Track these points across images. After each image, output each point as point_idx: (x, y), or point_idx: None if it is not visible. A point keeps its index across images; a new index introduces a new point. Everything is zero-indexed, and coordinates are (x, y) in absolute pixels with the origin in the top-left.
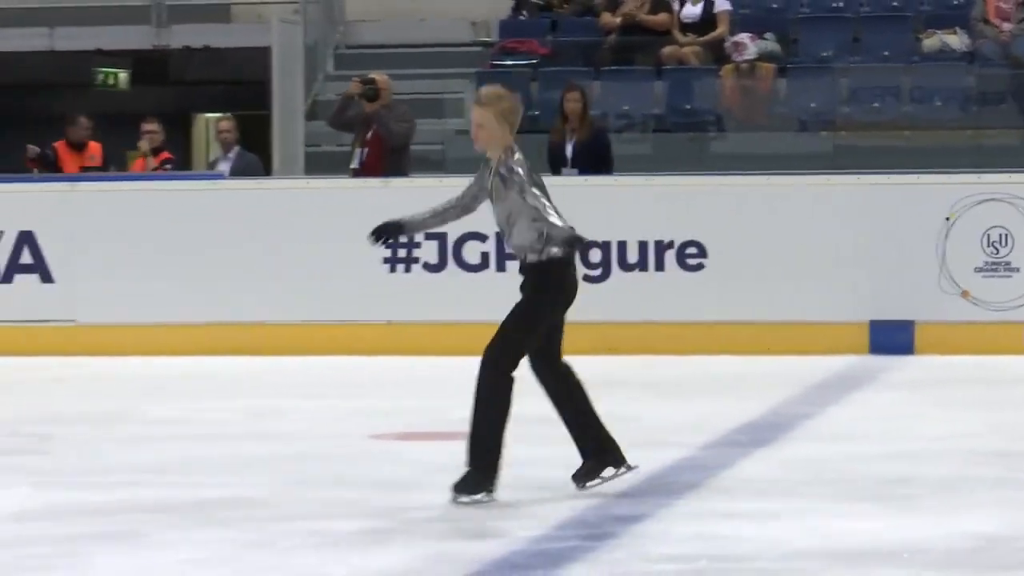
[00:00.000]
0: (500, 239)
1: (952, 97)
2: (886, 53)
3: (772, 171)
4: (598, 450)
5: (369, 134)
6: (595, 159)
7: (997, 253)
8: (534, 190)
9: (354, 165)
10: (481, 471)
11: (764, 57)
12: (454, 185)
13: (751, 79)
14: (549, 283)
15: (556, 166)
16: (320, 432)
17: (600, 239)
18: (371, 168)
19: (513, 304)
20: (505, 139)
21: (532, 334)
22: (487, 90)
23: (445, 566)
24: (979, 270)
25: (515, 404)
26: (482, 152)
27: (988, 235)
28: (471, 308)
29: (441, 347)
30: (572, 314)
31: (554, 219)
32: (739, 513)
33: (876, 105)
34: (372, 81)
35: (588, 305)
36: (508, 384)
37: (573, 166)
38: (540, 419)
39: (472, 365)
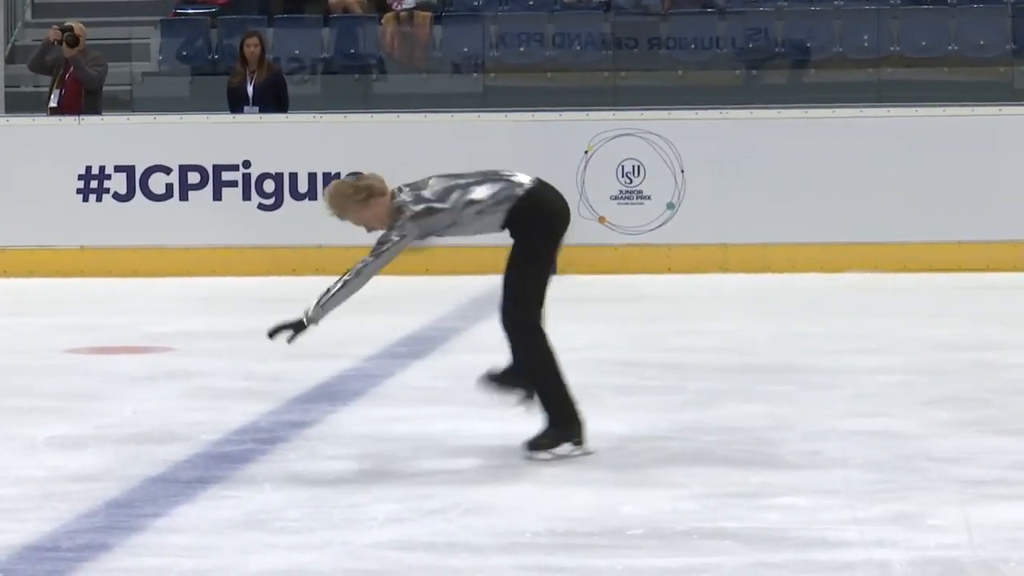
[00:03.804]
0: (184, 171)
1: (591, 42)
2: (531, 2)
3: (428, 109)
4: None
5: (67, 76)
6: (273, 98)
7: (631, 183)
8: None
9: (52, 104)
10: (557, 426)
11: (421, 6)
12: (142, 123)
13: (410, 26)
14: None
15: (237, 105)
16: (18, 347)
17: (274, 171)
18: (68, 107)
19: None
20: (383, 211)
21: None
22: (334, 198)
23: (135, 467)
24: (614, 198)
25: None
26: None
27: (622, 166)
28: (157, 233)
29: (130, 269)
30: (249, 239)
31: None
32: (400, 417)
33: (522, 49)
34: (70, 29)
35: (263, 231)
36: (540, 335)
37: (253, 105)
38: (218, 334)
39: (158, 285)
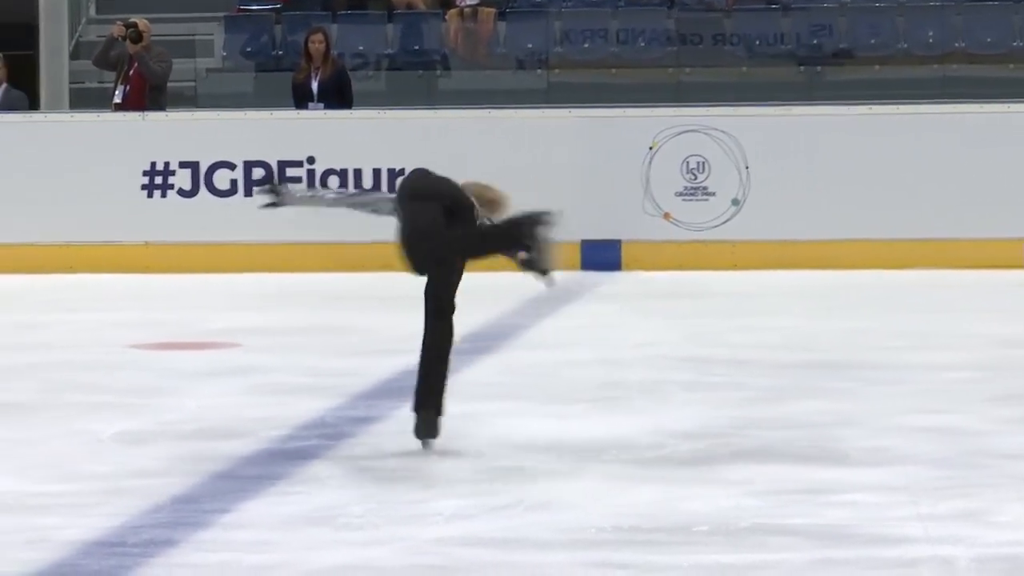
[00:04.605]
0: (248, 167)
1: (655, 38)
2: None
3: (492, 105)
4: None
5: (131, 72)
6: (337, 94)
7: (695, 179)
8: None
9: (117, 100)
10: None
11: (486, 2)
12: (206, 119)
13: (474, 22)
14: None
15: (302, 101)
16: (84, 342)
17: (339, 167)
18: (132, 103)
19: None
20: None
21: None
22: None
23: (199, 464)
24: (679, 194)
25: None
26: None
27: (687, 163)
28: (221, 230)
29: (194, 265)
30: (313, 235)
31: None
32: (465, 414)
33: (586, 45)
34: (134, 25)
35: (328, 227)
36: None
37: (318, 101)
38: (282, 330)
39: (222, 281)
